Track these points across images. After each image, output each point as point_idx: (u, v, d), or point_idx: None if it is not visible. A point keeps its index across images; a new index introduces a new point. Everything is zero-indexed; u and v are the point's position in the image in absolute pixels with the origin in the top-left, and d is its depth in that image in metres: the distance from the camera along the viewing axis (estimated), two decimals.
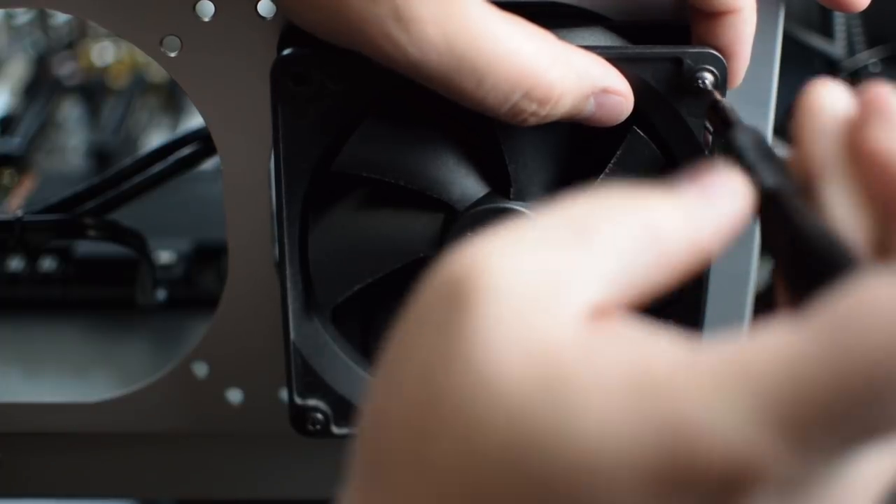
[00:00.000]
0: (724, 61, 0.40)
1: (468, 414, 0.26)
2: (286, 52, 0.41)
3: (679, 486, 0.25)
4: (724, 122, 0.37)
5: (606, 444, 0.25)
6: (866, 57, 0.64)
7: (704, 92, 0.40)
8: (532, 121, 0.38)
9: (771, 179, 0.30)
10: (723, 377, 0.25)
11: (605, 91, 0.39)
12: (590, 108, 0.39)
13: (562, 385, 0.25)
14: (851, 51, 0.66)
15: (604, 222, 0.28)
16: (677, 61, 0.40)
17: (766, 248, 0.30)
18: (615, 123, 0.40)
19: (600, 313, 0.27)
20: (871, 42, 0.66)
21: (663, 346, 0.26)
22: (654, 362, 0.26)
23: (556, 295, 0.27)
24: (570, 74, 0.38)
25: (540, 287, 0.27)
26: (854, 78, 0.64)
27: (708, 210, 0.29)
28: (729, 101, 0.41)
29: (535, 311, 0.26)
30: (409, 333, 0.28)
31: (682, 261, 0.28)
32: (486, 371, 0.26)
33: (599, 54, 0.39)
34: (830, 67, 0.64)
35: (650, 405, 0.25)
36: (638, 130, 0.41)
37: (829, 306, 0.25)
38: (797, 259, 0.28)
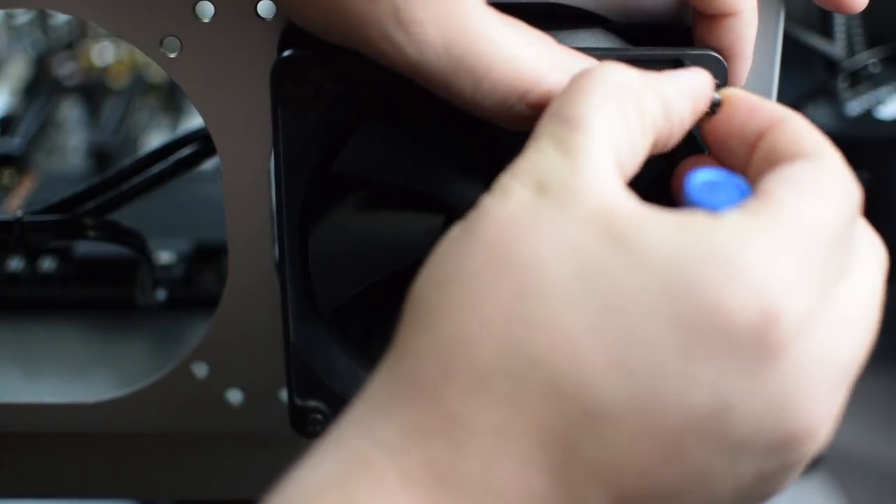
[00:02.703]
0: (725, 63, 0.40)
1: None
2: (286, 53, 0.41)
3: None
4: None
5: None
6: (866, 57, 0.64)
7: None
8: (530, 125, 0.38)
9: None
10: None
11: None
12: None
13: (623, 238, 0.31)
14: (851, 51, 0.66)
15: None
16: (677, 63, 0.40)
17: None
18: None
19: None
20: (871, 42, 0.66)
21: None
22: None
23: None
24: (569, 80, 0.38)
25: None
26: (854, 78, 0.64)
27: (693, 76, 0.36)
28: None
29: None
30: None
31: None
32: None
33: (599, 56, 0.39)
34: (830, 67, 0.64)
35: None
36: None
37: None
38: None
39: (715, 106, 0.36)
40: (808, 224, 0.32)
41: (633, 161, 0.34)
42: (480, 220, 0.32)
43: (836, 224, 0.32)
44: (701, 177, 0.34)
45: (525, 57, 0.37)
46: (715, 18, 0.40)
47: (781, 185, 0.33)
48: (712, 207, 0.33)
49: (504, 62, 0.37)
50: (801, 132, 0.35)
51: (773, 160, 0.34)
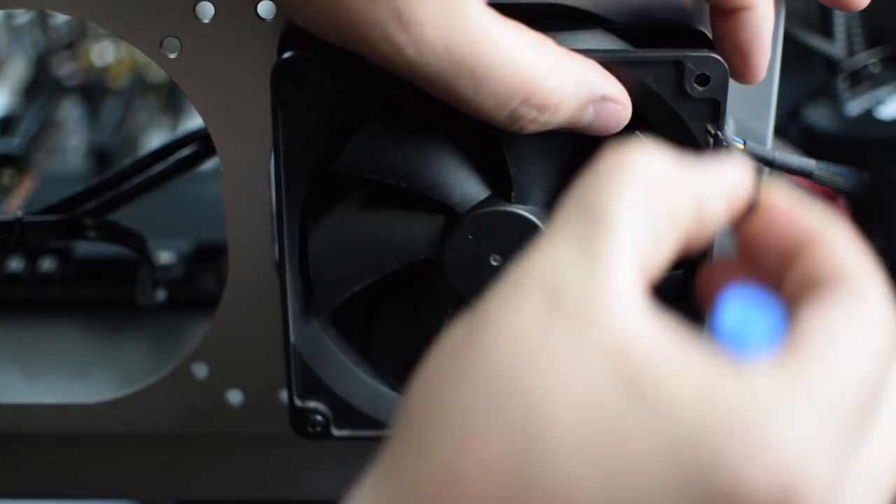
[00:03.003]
0: (725, 65, 0.40)
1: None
2: (287, 54, 0.41)
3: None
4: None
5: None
6: (866, 57, 0.64)
7: (706, 94, 0.40)
8: (531, 128, 0.38)
9: None
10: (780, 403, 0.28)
11: (603, 99, 0.39)
12: (588, 116, 0.39)
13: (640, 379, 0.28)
14: (851, 51, 0.65)
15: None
16: (678, 65, 0.40)
17: None
18: (613, 132, 0.40)
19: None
20: (871, 42, 0.66)
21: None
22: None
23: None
24: (569, 82, 0.38)
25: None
26: (854, 78, 0.64)
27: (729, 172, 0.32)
28: (731, 101, 0.41)
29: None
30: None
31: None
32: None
33: (600, 58, 0.39)
34: (830, 67, 0.64)
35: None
36: (640, 135, 0.41)
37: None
38: None
39: (753, 207, 0.33)
40: (844, 380, 0.29)
41: (658, 263, 0.31)
42: (487, 332, 0.29)
43: (875, 374, 0.30)
44: (731, 310, 0.31)
45: (525, 59, 0.37)
46: (731, 14, 0.40)
47: (817, 325, 0.30)
48: (741, 348, 0.31)
49: (504, 64, 0.37)
50: (842, 254, 0.32)
51: (811, 284, 0.32)
